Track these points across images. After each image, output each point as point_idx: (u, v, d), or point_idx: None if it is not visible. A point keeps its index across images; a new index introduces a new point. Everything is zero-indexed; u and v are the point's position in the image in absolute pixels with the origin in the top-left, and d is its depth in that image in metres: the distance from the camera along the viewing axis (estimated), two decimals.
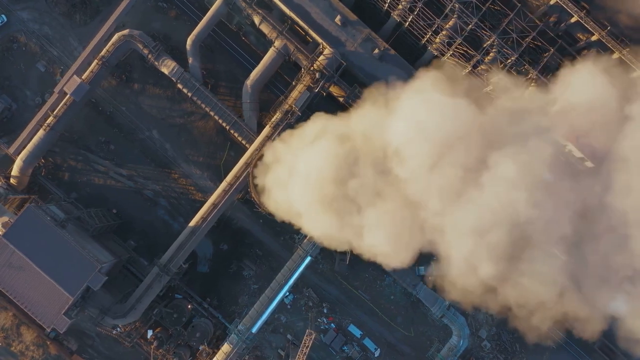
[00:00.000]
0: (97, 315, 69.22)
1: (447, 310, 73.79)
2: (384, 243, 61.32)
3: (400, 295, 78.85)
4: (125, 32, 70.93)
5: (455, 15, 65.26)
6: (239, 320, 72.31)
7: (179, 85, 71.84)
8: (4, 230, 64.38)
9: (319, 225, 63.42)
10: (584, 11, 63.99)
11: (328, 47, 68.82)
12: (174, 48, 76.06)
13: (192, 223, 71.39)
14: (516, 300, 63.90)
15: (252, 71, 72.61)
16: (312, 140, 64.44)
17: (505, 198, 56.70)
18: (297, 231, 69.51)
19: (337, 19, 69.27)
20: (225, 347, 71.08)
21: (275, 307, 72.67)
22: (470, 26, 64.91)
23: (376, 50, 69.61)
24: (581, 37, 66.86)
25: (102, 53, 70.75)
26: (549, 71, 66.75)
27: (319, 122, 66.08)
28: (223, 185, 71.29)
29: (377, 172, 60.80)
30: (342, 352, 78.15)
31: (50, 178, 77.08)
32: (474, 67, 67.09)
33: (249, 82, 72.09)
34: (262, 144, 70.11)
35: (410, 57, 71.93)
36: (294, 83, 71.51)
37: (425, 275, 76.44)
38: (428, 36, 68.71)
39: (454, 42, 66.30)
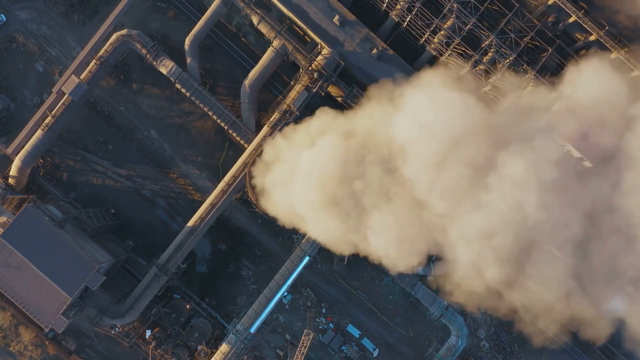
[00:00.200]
0: (96, 315, 69.17)
1: (446, 310, 73.85)
2: (391, 247, 60.67)
3: (398, 295, 78.84)
4: (124, 32, 70.93)
5: (453, 15, 65.24)
6: (237, 320, 72.30)
7: (178, 85, 71.85)
8: (2, 230, 64.31)
9: (323, 228, 62.89)
10: (582, 11, 64.03)
11: (326, 47, 68.84)
12: (172, 48, 76.04)
13: (190, 223, 71.41)
14: (522, 303, 63.65)
15: (250, 71, 72.63)
16: (317, 136, 63.55)
17: (513, 199, 56.27)
18: (296, 231, 69.60)
19: (336, 18, 69.28)
20: (224, 347, 71.06)
21: (274, 307, 72.68)
22: (468, 26, 64.91)
23: (374, 50, 69.62)
24: (579, 37, 66.92)
25: (101, 53, 70.72)
26: (547, 71, 66.77)
27: (325, 117, 65.46)
28: (221, 185, 71.31)
29: (384, 171, 60.23)
30: (341, 352, 78.12)
31: (49, 178, 77.03)
32: (473, 67, 67.08)
33: (247, 82, 72.07)
34: (261, 144, 69.98)
35: (408, 57, 71.90)
36: (292, 83, 71.56)
37: (424, 275, 76.31)
38: (426, 36, 68.73)
39: (452, 42, 66.31)
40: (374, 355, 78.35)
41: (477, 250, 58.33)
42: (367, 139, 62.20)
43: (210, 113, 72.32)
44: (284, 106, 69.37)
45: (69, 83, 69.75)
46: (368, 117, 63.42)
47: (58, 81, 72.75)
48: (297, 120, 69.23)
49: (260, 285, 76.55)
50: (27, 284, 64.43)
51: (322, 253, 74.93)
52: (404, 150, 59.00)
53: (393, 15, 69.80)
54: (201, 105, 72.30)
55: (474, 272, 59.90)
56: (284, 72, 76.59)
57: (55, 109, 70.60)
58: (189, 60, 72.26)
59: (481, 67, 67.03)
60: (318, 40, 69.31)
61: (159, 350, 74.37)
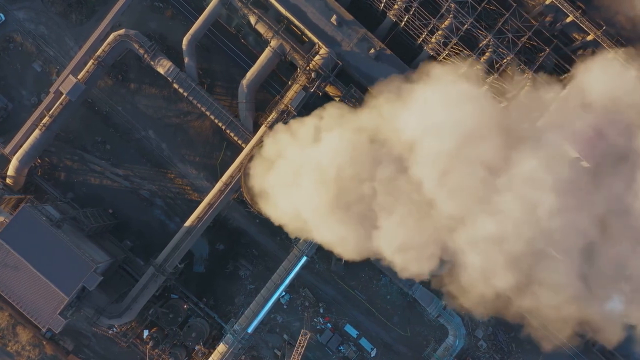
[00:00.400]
0: (93, 315, 69.20)
1: (443, 310, 73.80)
2: (404, 251, 59.63)
3: (396, 295, 78.82)
4: (121, 31, 70.90)
5: (450, 15, 65.21)
6: (234, 320, 72.31)
7: (175, 85, 71.83)
8: None
9: (332, 233, 61.54)
10: (580, 11, 63.98)
11: (324, 47, 68.80)
12: (170, 48, 76.00)
13: (187, 223, 71.40)
14: (531, 308, 63.05)
15: (248, 71, 72.58)
16: (326, 130, 62.12)
17: (525, 201, 55.36)
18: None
19: (333, 18, 69.26)
20: (221, 347, 71.07)
21: (271, 307, 72.62)
22: (465, 26, 64.87)
23: (372, 50, 69.62)
24: (577, 37, 66.90)
25: (98, 53, 70.66)
26: (544, 71, 66.73)
27: (335, 111, 64.31)
28: (219, 185, 71.30)
29: (399, 171, 59.09)
30: (339, 352, 78.11)
31: (47, 178, 76.99)
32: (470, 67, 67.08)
33: (245, 81, 72.03)
34: (260, 141, 68.91)
35: (406, 57, 71.84)
36: (289, 83, 71.53)
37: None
38: (424, 36, 68.72)
39: (450, 42, 66.29)
40: (372, 355, 78.34)
41: (487, 255, 57.48)
42: (381, 136, 60.62)
43: (207, 113, 72.29)
44: (282, 106, 69.36)
45: (66, 83, 69.69)
46: (381, 113, 61.80)
47: (56, 81, 72.67)
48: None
49: (258, 285, 76.48)
50: (24, 283, 64.44)
51: (319, 253, 74.91)
52: (418, 148, 57.81)
53: (390, 15, 69.78)
54: (199, 105, 72.28)
55: (484, 276, 58.97)
56: (281, 72, 76.58)
57: (53, 109, 70.58)
58: (186, 60, 72.24)
59: (479, 67, 66.90)
60: (316, 40, 69.28)
61: (156, 350, 74.38)
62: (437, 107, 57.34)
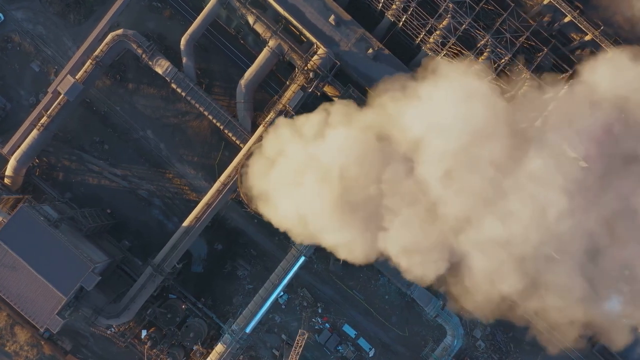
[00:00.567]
0: (91, 315, 69.18)
1: (442, 310, 73.78)
2: (414, 254, 58.87)
3: (394, 295, 78.82)
4: (119, 31, 70.82)
5: (449, 15, 65.17)
6: (233, 320, 72.30)
7: (173, 85, 71.77)
8: None
9: (336, 236, 60.52)
10: (578, 11, 63.98)
11: (322, 47, 68.77)
12: (168, 48, 75.98)
13: (185, 223, 71.35)
14: (537, 311, 62.72)
15: (246, 71, 72.57)
16: (334, 127, 60.69)
17: (535, 202, 54.69)
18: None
19: (331, 18, 69.24)
20: (219, 347, 71.08)
21: (270, 307, 72.63)
22: (464, 26, 64.87)
23: (370, 50, 69.60)
24: (575, 36, 66.91)
25: (96, 53, 70.61)
26: (542, 71, 66.71)
27: (343, 109, 63.35)
28: (217, 185, 71.26)
29: (408, 171, 58.34)
30: (337, 352, 78.10)
31: (45, 178, 76.95)
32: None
33: (243, 81, 71.99)
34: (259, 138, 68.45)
35: (404, 57, 71.84)
36: (287, 83, 71.50)
37: None
38: (422, 36, 68.71)
39: (448, 41, 66.28)
40: (370, 355, 78.34)
41: (494, 257, 56.92)
42: (390, 134, 59.52)
43: (206, 113, 72.24)
44: (280, 106, 69.33)
45: (64, 83, 69.64)
46: (389, 111, 60.52)
47: (54, 81, 72.62)
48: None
49: (257, 285, 76.47)
50: (22, 283, 64.39)
51: (318, 253, 74.92)
52: (427, 146, 57.01)
53: (389, 15, 69.79)
54: (197, 105, 72.24)
55: (490, 279, 58.38)
56: (280, 71, 76.57)
57: (51, 109, 70.51)
58: (184, 60, 72.22)
59: (477, 66, 66.91)
60: (314, 40, 69.24)
61: (154, 351, 74.34)
62: (447, 105, 56.62)
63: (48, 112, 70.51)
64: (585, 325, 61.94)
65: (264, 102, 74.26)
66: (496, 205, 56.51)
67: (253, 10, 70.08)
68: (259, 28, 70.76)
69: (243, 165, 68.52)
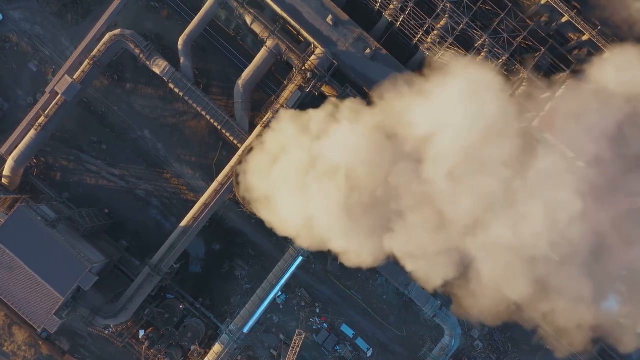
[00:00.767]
0: (89, 316, 69.16)
1: (439, 310, 73.77)
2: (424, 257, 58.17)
3: (392, 295, 78.84)
4: (117, 31, 70.77)
5: (446, 15, 65.18)
6: (230, 320, 72.27)
7: (171, 85, 71.74)
8: None
9: (343, 239, 59.31)
10: (575, 11, 63.92)
11: (320, 46, 68.76)
12: (166, 48, 75.96)
13: (183, 223, 71.35)
14: (544, 315, 62.05)
15: (244, 71, 72.55)
16: (343, 125, 59.34)
17: (544, 205, 53.99)
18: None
19: (329, 18, 69.19)
20: (217, 347, 71.06)
21: (267, 307, 72.64)
22: (461, 26, 64.83)
23: (368, 50, 69.56)
24: (572, 36, 66.87)
25: (94, 53, 70.60)
26: (540, 71, 66.72)
27: (353, 107, 62.63)
28: (214, 185, 71.26)
29: (416, 172, 57.12)
30: (335, 352, 78.12)
31: (42, 178, 76.98)
32: None
33: (240, 81, 71.99)
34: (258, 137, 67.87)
35: (402, 56, 71.82)
36: (285, 83, 71.48)
37: None
38: (419, 36, 68.68)
39: (446, 41, 66.27)
40: (368, 355, 78.37)
41: (503, 261, 56.20)
42: (399, 133, 58.40)
43: (203, 113, 72.23)
44: (277, 106, 69.31)
45: (62, 83, 69.64)
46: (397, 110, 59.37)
47: (51, 81, 72.71)
48: None
49: (254, 285, 76.51)
50: (20, 283, 64.34)
51: (316, 253, 74.73)
52: (437, 145, 56.04)
53: (386, 15, 69.78)
54: (194, 105, 72.21)
55: (499, 283, 57.67)
56: (278, 71, 76.54)
57: (49, 109, 70.47)
58: (182, 60, 72.16)
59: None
60: (311, 40, 69.24)
61: (152, 351, 74.31)
62: (459, 103, 55.54)
63: (46, 112, 70.49)
64: (594, 328, 61.19)
65: (261, 102, 74.21)
66: (508, 207, 55.61)
67: (251, 10, 70.08)
68: (256, 28, 70.75)
69: (240, 161, 67.79)
